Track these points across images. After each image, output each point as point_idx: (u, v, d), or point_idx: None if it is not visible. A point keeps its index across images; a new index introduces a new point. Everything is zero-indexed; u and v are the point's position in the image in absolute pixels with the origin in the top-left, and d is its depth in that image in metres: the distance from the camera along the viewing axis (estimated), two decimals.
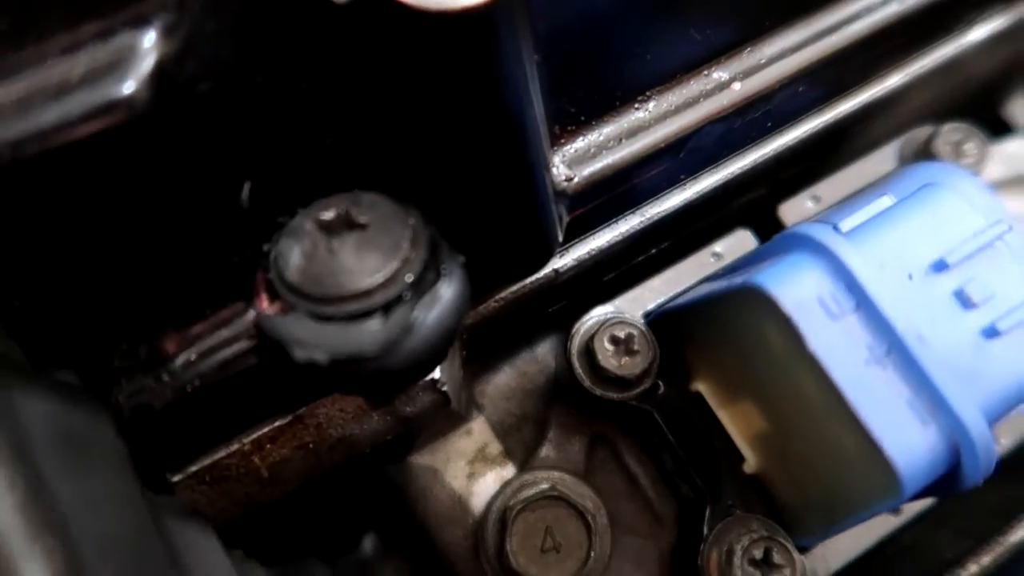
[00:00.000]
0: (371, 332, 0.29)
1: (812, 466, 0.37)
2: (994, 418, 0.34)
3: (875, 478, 0.33)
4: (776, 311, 0.34)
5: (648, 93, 0.39)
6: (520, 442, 0.50)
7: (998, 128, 0.56)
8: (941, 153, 0.51)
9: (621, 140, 0.38)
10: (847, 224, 0.37)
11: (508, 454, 0.49)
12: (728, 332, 0.39)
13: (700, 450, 0.43)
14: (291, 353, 0.28)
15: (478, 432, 0.50)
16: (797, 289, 0.34)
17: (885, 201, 0.38)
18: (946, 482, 0.34)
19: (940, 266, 0.35)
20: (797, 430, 0.37)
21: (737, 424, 0.42)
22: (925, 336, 0.33)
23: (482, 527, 0.46)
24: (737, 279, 0.37)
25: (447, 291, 0.30)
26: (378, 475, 0.48)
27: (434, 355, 0.31)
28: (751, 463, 0.42)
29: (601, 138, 0.37)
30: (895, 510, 0.43)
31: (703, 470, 0.42)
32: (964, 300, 0.34)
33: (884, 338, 0.33)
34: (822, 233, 0.36)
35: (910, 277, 0.35)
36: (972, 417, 0.32)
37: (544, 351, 0.49)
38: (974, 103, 0.54)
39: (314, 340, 0.29)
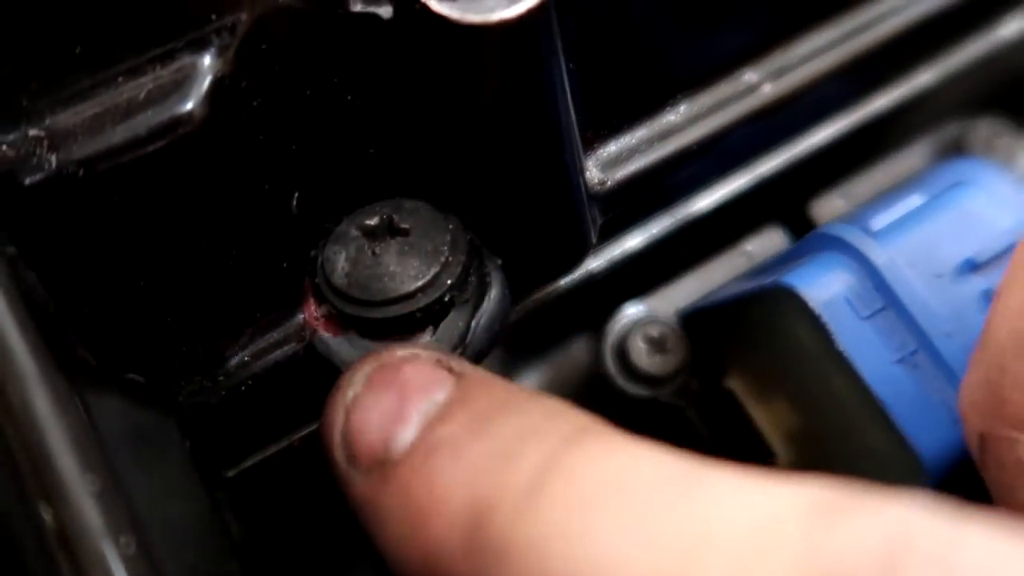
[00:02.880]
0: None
1: (843, 464, 0.38)
2: None
3: (906, 476, 0.33)
4: (806, 310, 0.35)
5: (678, 96, 0.39)
6: None
7: None
8: (973, 149, 0.51)
9: (653, 143, 0.39)
10: (876, 223, 0.37)
11: None
12: (759, 330, 0.40)
13: (732, 446, 0.43)
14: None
15: None
16: (826, 288, 0.35)
17: (915, 200, 0.39)
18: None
19: (969, 265, 0.35)
20: (829, 429, 0.38)
21: (769, 421, 0.42)
22: (954, 335, 0.34)
23: None
24: (767, 279, 0.38)
25: (492, 296, 0.32)
26: None
27: (481, 358, 0.32)
28: (783, 459, 0.43)
29: (633, 141, 0.38)
30: None
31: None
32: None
33: (913, 337, 0.34)
34: (851, 233, 0.36)
35: (939, 276, 0.35)
36: None
37: (579, 349, 0.50)
38: (1005, 97, 0.54)
39: None
